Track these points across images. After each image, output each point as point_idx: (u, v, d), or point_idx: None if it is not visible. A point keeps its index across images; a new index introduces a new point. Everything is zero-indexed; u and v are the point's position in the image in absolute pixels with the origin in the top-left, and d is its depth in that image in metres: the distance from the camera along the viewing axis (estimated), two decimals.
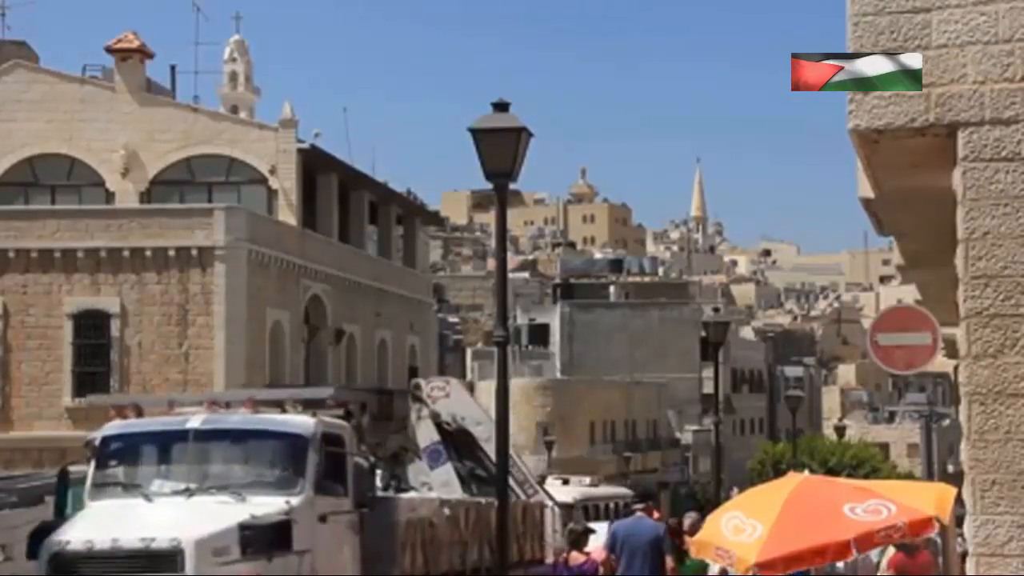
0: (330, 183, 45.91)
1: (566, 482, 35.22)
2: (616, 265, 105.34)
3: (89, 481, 15.19)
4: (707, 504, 36.71)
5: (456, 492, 19.38)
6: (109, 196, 42.92)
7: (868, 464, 71.27)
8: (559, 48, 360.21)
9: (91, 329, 38.41)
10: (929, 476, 25.82)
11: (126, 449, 15.33)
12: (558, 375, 78.61)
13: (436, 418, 20.22)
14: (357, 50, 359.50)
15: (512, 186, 15.38)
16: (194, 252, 38.12)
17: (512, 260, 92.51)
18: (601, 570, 17.97)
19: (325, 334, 43.82)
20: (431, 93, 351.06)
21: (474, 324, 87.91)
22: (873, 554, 15.31)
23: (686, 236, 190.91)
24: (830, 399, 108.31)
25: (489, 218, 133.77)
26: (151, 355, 38.18)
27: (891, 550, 15.17)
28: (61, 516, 15.43)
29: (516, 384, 58.57)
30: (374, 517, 15.59)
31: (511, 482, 18.33)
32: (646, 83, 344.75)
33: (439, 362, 62.25)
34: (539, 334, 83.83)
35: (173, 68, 48.11)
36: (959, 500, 10.31)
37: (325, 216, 45.63)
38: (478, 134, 14.38)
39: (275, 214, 42.76)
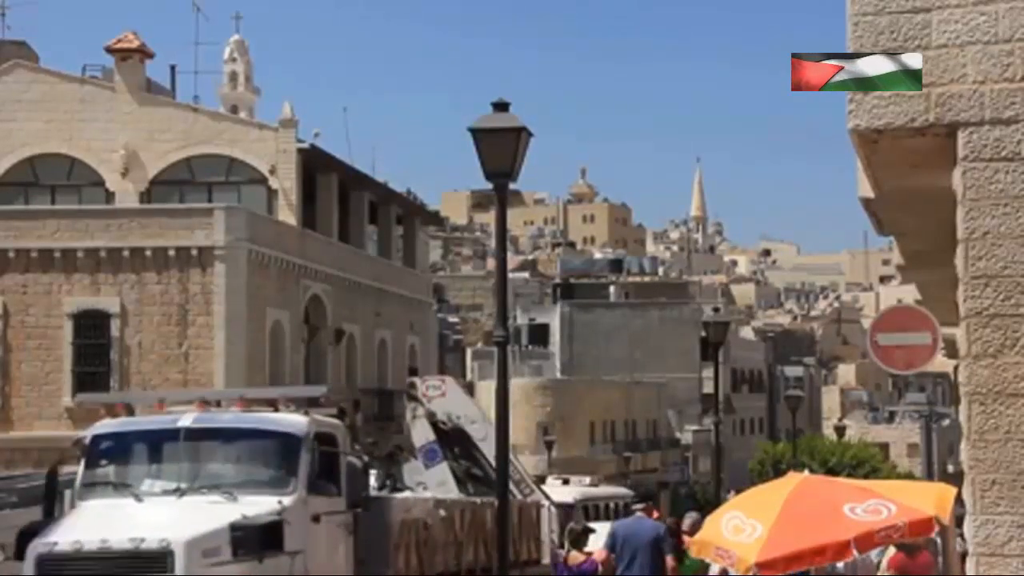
0: (330, 183, 45.91)
1: (566, 482, 35.26)
2: (616, 265, 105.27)
3: (79, 481, 14.99)
4: (707, 504, 36.72)
5: (452, 492, 19.29)
6: (109, 196, 42.94)
7: (868, 464, 71.19)
8: (559, 48, 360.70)
9: (91, 329, 38.42)
10: (929, 476, 25.88)
11: (116, 448, 15.08)
12: (558, 375, 78.55)
13: (432, 417, 20.17)
14: (357, 50, 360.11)
15: (512, 186, 15.37)
16: (194, 252, 38.12)
17: (512, 260, 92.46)
18: (601, 570, 17.98)
19: (325, 334, 43.81)
20: (431, 93, 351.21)
21: (474, 324, 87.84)
22: (873, 554, 15.29)
23: (686, 236, 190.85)
24: (830, 399, 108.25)
25: (489, 218, 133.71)
26: (151, 355, 38.18)
27: (891, 550, 15.15)
28: (50, 516, 15.11)
29: (516, 384, 58.53)
30: (368, 517, 15.42)
31: None
32: (646, 83, 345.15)
33: (439, 362, 62.18)
34: (539, 334, 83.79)
35: (173, 68, 48.28)
36: (959, 500, 10.31)
37: (325, 216, 45.63)
38: (478, 134, 14.38)
39: (275, 214, 42.77)
